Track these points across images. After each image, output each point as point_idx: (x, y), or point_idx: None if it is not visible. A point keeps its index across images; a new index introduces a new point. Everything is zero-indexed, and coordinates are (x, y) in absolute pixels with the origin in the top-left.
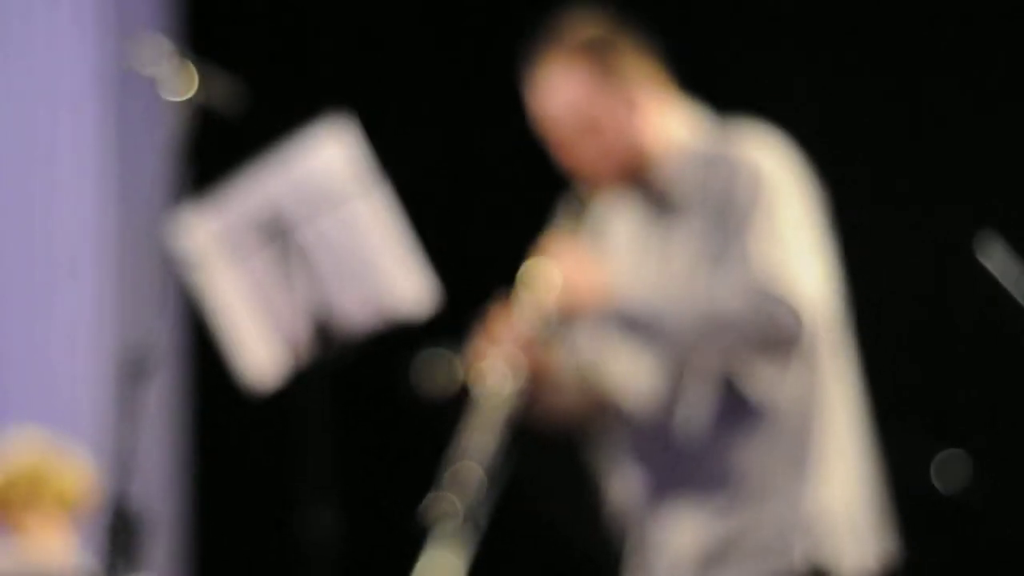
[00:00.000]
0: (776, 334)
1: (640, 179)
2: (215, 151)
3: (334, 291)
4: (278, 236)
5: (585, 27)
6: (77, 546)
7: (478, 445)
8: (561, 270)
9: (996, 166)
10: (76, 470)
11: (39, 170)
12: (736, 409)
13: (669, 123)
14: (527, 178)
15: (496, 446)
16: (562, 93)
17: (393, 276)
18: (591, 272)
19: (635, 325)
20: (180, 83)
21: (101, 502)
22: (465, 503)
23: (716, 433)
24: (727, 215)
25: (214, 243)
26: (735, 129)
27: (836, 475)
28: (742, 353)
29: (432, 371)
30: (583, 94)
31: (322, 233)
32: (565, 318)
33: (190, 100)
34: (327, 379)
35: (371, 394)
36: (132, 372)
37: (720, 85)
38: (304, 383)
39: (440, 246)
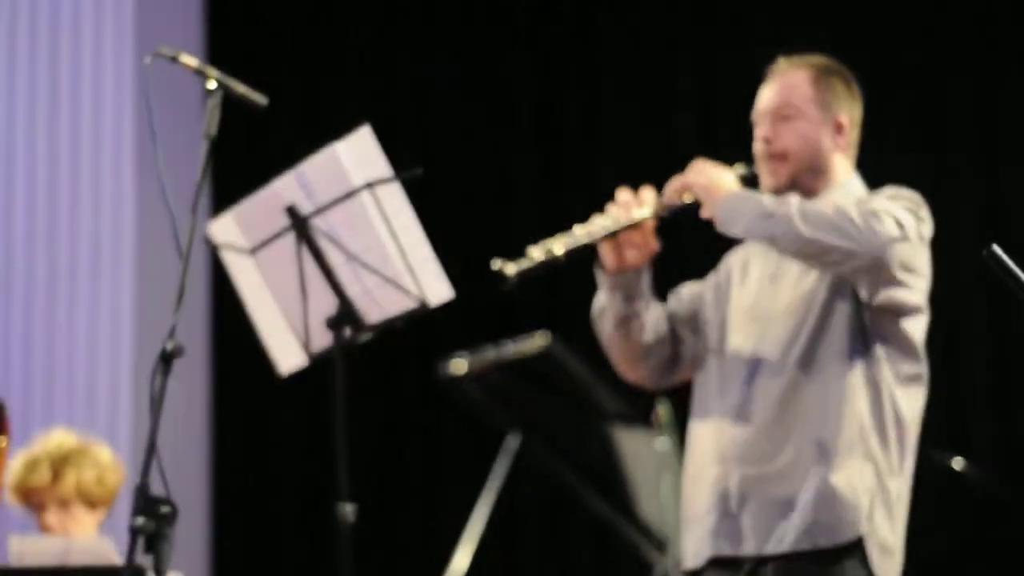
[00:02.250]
0: (872, 241)
1: (812, 187)
2: (238, 153)
3: (355, 280)
4: (299, 226)
5: (819, 56)
6: (101, 534)
7: (575, 242)
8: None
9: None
10: (100, 460)
11: (81, 171)
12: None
13: (848, 167)
14: (543, 177)
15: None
16: (784, 80)
17: (412, 266)
18: (720, 173)
19: (748, 210)
20: (206, 85)
21: (128, 492)
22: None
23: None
24: None
25: (239, 235)
26: None
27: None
28: (832, 244)
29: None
30: (800, 86)
31: (341, 223)
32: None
33: (215, 102)
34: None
35: (392, 381)
36: (161, 364)
37: None
38: (327, 371)
39: (457, 241)
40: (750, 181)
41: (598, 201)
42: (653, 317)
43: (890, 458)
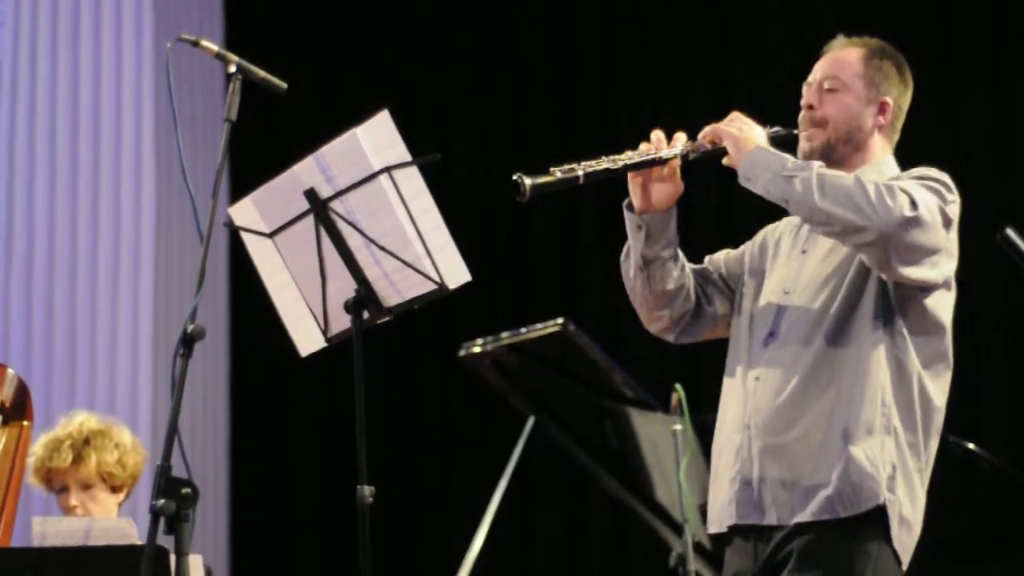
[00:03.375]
0: (884, 217)
1: (847, 157)
2: (258, 138)
3: (373, 263)
4: (318, 210)
5: (877, 40)
6: (121, 516)
7: (597, 165)
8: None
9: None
10: (122, 442)
11: (101, 156)
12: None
13: (887, 147)
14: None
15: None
16: (837, 55)
17: (430, 250)
18: (753, 128)
19: (770, 168)
20: (226, 70)
21: (149, 474)
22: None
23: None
24: None
25: (259, 218)
26: None
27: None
28: (846, 213)
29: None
30: (852, 63)
31: (360, 206)
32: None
33: (235, 87)
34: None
35: (411, 363)
36: (182, 347)
37: None
38: (346, 354)
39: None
40: (782, 142)
41: (614, 187)
42: (678, 266)
43: (913, 437)
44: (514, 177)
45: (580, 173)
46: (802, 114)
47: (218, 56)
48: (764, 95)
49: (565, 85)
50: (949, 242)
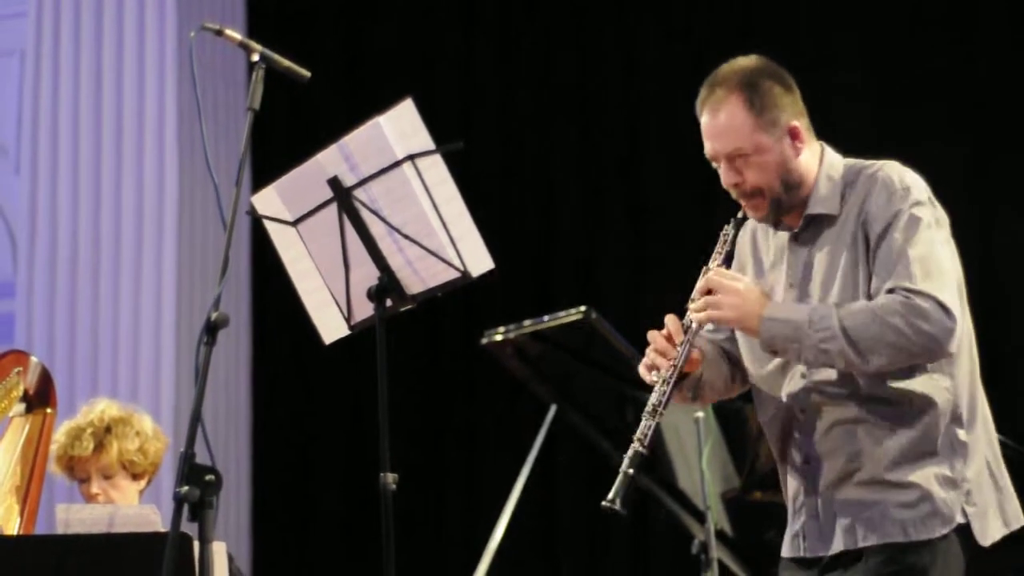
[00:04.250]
0: (930, 344)
1: (794, 200)
2: (281, 127)
3: (396, 251)
4: (341, 198)
5: (739, 64)
6: (146, 502)
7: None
8: (719, 293)
9: None
10: (143, 430)
11: (124, 145)
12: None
13: (815, 150)
14: (574, 153)
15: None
16: (721, 119)
17: (454, 237)
18: (742, 296)
19: (795, 339)
20: (249, 59)
21: (171, 461)
22: None
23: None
24: (876, 224)
25: (282, 207)
26: (862, 161)
27: (981, 448)
28: (896, 361)
29: None
30: (739, 123)
31: (384, 194)
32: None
33: (258, 76)
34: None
35: (434, 351)
36: (206, 334)
37: None
38: (369, 341)
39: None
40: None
41: (636, 176)
42: (713, 370)
43: (962, 429)
44: (603, 507)
45: (642, 450)
46: (731, 190)
47: (241, 45)
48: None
49: (588, 73)
50: (954, 255)
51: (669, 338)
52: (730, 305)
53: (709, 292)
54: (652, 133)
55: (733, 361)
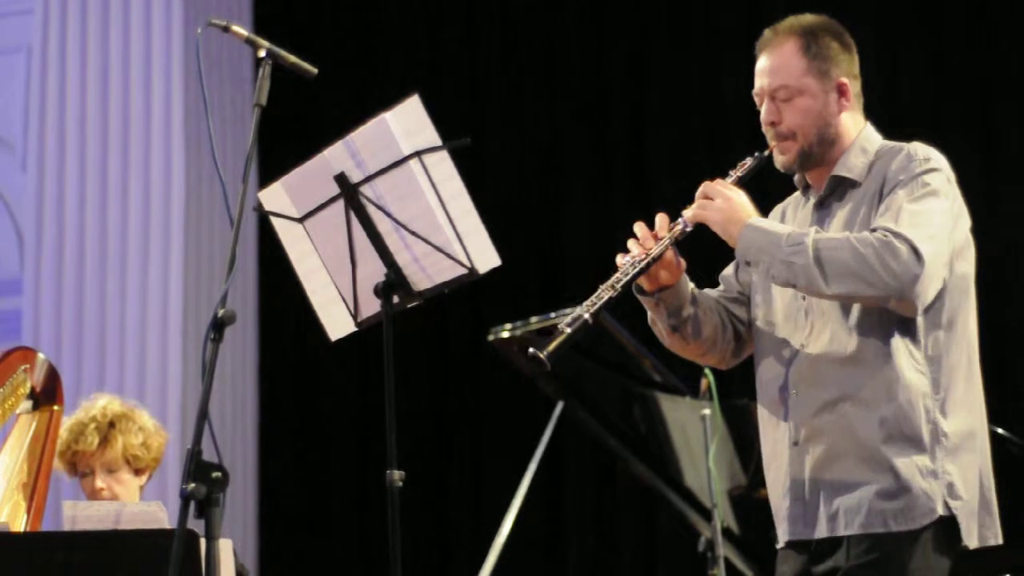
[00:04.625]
0: (891, 282)
1: (824, 156)
2: (287, 123)
3: (403, 248)
4: (348, 194)
5: (804, 16)
6: (151, 499)
7: (600, 300)
8: (710, 196)
9: None
10: (145, 425)
11: (130, 141)
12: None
13: (859, 120)
14: (584, 149)
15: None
16: (775, 57)
17: (460, 234)
18: (732, 202)
19: (767, 251)
20: (256, 55)
21: (177, 457)
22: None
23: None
24: (889, 183)
25: (289, 203)
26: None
27: (971, 449)
28: (856, 291)
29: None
30: (793, 62)
31: (390, 191)
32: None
33: (265, 72)
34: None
35: (440, 347)
36: (213, 331)
37: None
38: (375, 338)
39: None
40: (761, 169)
41: (643, 169)
42: (705, 312)
43: (944, 419)
44: (529, 354)
45: (587, 316)
46: (766, 130)
47: (248, 41)
48: None
49: (595, 67)
50: (964, 230)
51: (655, 236)
52: (718, 208)
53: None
54: (660, 128)
55: (733, 320)
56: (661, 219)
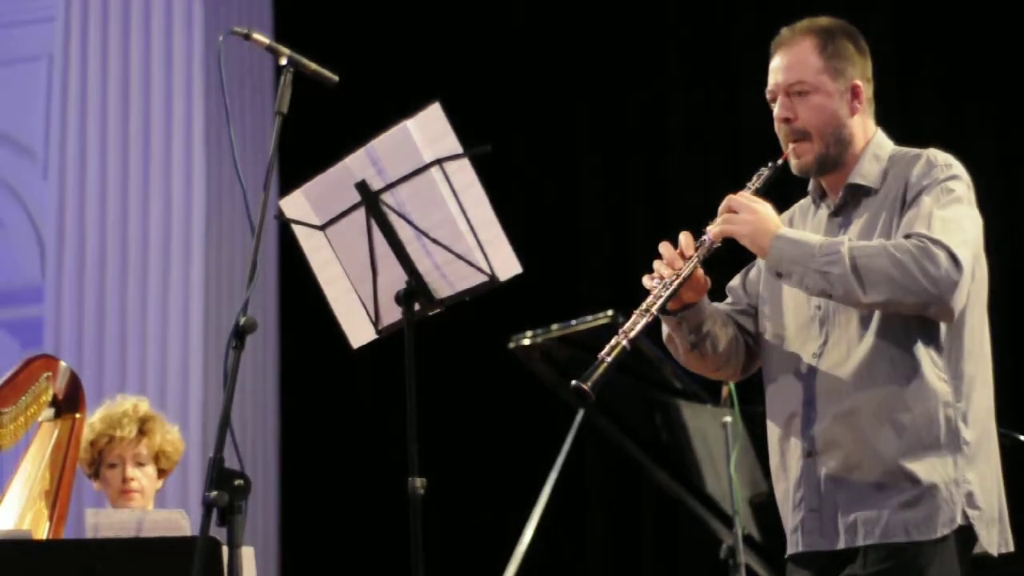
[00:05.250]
0: (931, 288)
1: (839, 159)
2: (308, 131)
3: (424, 255)
4: (369, 202)
5: (820, 18)
6: (174, 507)
7: (635, 327)
8: (735, 210)
9: None
10: (172, 430)
11: (152, 149)
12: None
13: (870, 125)
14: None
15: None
16: (791, 54)
17: (482, 242)
18: (759, 215)
19: (800, 262)
20: (277, 63)
21: (200, 466)
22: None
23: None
24: (912, 191)
25: (310, 211)
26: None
27: (987, 458)
28: (894, 298)
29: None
30: (809, 59)
31: (411, 198)
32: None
33: (287, 80)
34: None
35: (461, 355)
36: (234, 339)
37: None
38: (397, 346)
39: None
40: (777, 180)
41: (663, 178)
42: (721, 327)
43: (966, 428)
44: (571, 386)
45: (625, 343)
46: (779, 127)
47: (269, 49)
48: None
49: (614, 74)
50: (980, 232)
51: (681, 254)
52: (745, 221)
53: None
54: (680, 135)
55: (744, 333)
56: (686, 238)
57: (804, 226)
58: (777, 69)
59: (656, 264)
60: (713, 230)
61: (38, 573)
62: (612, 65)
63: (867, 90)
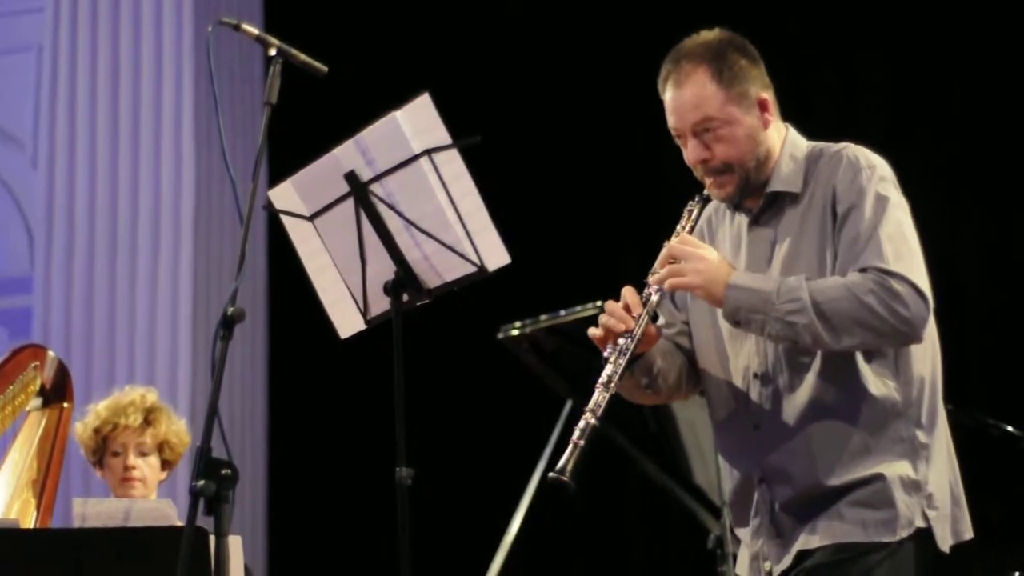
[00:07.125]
0: (903, 328)
1: (759, 177)
2: (297, 121)
3: (413, 246)
4: (358, 192)
5: (703, 37)
6: (161, 496)
7: (599, 401)
8: (681, 260)
9: None
10: (178, 423)
11: (141, 140)
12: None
13: (780, 128)
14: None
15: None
16: (688, 90)
17: (470, 232)
18: (707, 264)
19: (759, 310)
20: (266, 54)
21: (188, 456)
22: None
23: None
24: (842, 203)
25: (299, 201)
26: (825, 143)
27: (942, 453)
28: (866, 341)
29: None
30: (709, 92)
31: (400, 189)
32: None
33: (276, 70)
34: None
35: (449, 345)
36: (222, 329)
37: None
38: (385, 336)
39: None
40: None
41: (654, 168)
42: (668, 361)
43: (929, 425)
44: (550, 478)
45: (593, 422)
46: (696, 167)
47: (259, 39)
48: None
49: (605, 64)
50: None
51: (627, 308)
52: (695, 271)
53: (672, 262)
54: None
55: (687, 354)
56: (630, 294)
57: (722, 231)
58: (678, 108)
59: (602, 319)
60: (656, 281)
61: (25, 562)
62: (601, 54)
63: (771, 96)
